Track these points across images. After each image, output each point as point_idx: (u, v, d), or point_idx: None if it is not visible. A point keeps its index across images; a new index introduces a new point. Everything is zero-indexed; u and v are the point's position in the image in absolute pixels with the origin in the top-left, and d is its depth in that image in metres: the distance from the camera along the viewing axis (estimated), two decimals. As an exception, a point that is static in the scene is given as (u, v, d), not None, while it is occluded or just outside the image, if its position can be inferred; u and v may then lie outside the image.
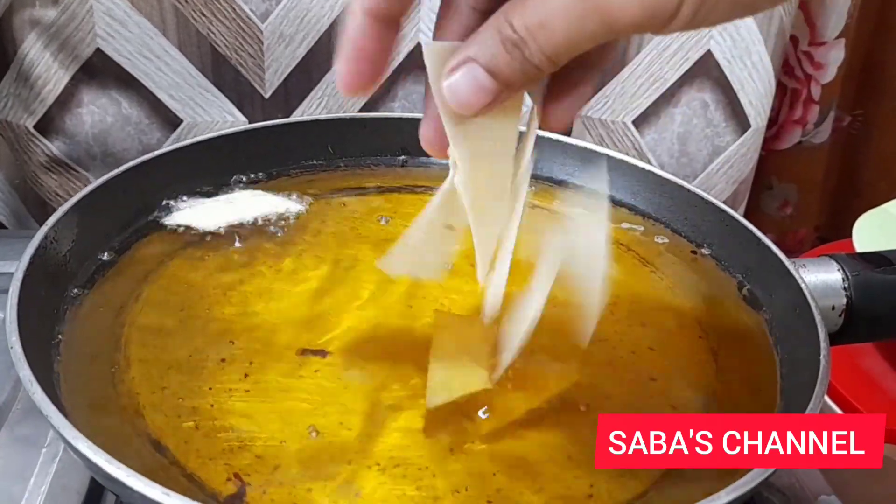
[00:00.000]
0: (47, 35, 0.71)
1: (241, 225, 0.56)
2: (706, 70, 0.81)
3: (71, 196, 0.75)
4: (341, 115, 0.70)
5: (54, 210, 0.77)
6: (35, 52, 0.72)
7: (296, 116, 0.77)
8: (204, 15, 0.72)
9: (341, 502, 0.38)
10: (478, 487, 0.40)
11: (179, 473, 0.38)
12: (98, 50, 0.71)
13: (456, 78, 0.34)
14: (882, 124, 0.99)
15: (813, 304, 0.48)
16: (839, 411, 0.68)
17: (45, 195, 0.78)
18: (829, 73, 0.93)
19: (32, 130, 0.74)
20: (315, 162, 0.64)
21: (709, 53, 0.80)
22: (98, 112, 0.74)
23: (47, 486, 0.47)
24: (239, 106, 0.76)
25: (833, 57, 0.92)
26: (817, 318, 0.47)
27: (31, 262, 0.45)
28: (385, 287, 0.52)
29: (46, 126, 0.75)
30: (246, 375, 0.45)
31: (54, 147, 0.75)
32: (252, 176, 0.61)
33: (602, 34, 0.33)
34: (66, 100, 0.74)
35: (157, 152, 0.58)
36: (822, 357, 0.44)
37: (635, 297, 0.54)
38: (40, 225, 0.78)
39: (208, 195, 0.59)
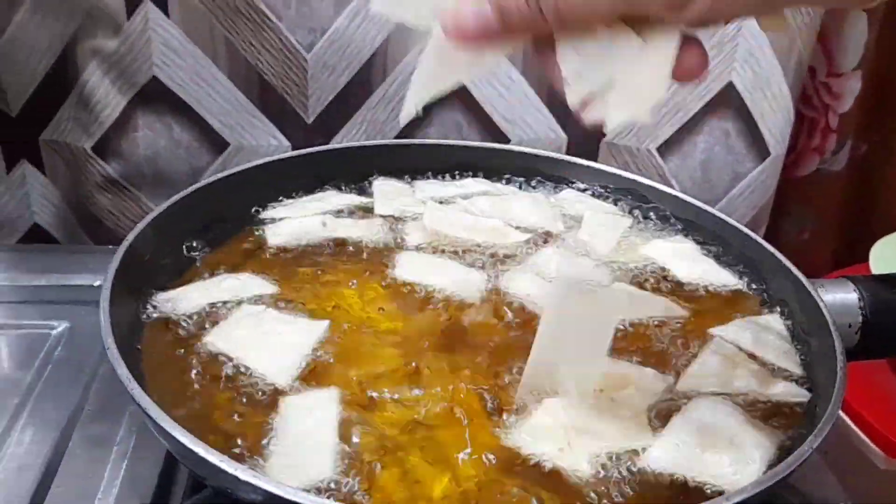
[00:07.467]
0: (108, 63, 0.76)
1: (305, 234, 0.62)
2: (728, 100, 0.84)
3: (123, 214, 0.81)
4: (386, 141, 0.75)
5: (107, 227, 0.82)
6: (95, 79, 0.76)
7: (336, 142, 0.80)
8: (253, 45, 0.76)
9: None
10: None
11: (253, 465, 0.42)
12: (154, 77, 0.75)
13: (463, 5, 0.37)
14: (898, 153, 1.01)
15: (830, 321, 0.51)
16: (853, 426, 0.71)
17: (99, 213, 0.82)
18: (846, 103, 0.96)
19: (90, 152, 0.78)
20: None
21: (730, 85, 0.83)
22: (151, 136, 0.78)
23: (120, 479, 0.50)
24: (282, 131, 0.80)
25: (850, 88, 0.95)
26: (835, 334, 0.50)
27: (116, 274, 0.49)
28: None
29: (103, 148, 0.79)
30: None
31: (110, 168, 0.79)
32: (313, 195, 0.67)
33: (621, 6, 0.36)
34: (122, 124, 0.78)
35: (222, 174, 0.63)
36: (839, 369, 0.47)
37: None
38: (92, 240, 0.84)
39: (270, 208, 0.65)
